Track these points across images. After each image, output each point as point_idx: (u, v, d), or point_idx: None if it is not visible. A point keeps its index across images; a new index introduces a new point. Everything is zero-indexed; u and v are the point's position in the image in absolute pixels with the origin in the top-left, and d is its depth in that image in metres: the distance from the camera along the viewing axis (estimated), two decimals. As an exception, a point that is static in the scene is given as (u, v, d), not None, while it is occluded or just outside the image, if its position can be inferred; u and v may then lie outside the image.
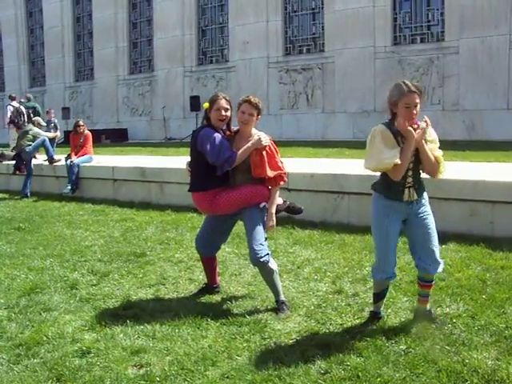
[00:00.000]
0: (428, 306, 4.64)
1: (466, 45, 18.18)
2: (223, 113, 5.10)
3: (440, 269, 4.51)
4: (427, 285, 4.59)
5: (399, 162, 4.11)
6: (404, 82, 4.27)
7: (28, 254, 7.43)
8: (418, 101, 4.18)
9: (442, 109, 18.45)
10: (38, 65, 33.41)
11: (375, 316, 4.70)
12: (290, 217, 8.04)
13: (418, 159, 4.27)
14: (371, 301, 5.16)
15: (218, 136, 5.03)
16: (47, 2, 31.60)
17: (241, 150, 5.01)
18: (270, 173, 5.05)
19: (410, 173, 4.28)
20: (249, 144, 5.02)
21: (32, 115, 19.50)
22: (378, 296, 4.67)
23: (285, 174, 5.18)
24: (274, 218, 5.13)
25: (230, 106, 5.17)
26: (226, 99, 5.15)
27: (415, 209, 4.37)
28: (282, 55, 22.64)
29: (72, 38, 30.98)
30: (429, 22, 19.56)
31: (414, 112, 4.18)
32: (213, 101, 5.15)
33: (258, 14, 22.71)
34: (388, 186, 4.32)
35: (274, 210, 5.14)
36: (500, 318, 4.56)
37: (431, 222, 4.42)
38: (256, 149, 5.00)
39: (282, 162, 5.20)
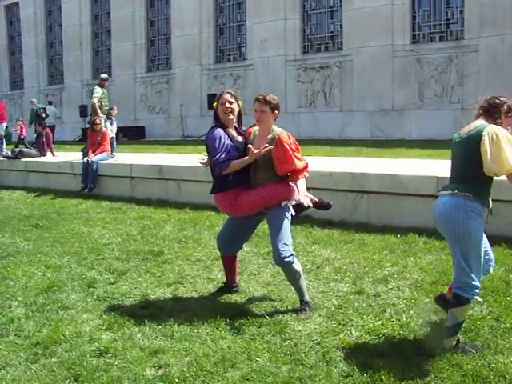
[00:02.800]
0: None
1: (486, 43, 17.97)
2: (227, 105, 5.09)
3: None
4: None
5: None
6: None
7: (45, 252, 7.42)
8: None
9: (461, 107, 18.24)
10: (57, 62, 33.58)
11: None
12: (309, 216, 8.01)
13: None
14: (392, 302, 5.08)
15: (222, 138, 4.99)
16: (66, 1, 31.73)
17: (237, 161, 4.96)
18: (300, 164, 4.97)
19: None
20: (245, 158, 4.95)
21: (43, 114, 20.34)
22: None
23: (308, 165, 5.11)
24: (309, 199, 4.95)
25: (236, 100, 5.17)
26: (230, 93, 5.17)
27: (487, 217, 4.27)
28: (299, 53, 22.53)
29: (90, 35, 31.08)
30: (448, 20, 19.36)
31: None
32: (218, 97, 5.19)
33: (276, 12, 22.62)
34: (487, 193, 4.14)
35: (305, 191, 4.97)
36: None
37: None
38: (276, 144, 4.92)
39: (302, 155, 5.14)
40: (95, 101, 14.04)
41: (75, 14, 31.17)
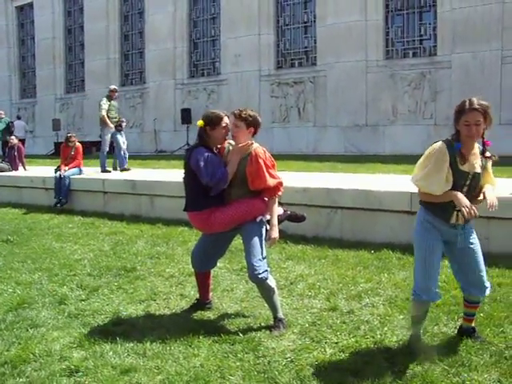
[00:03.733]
0: (473, 324, 4.56)
1: (459, 59, 18.19)
2: (228, 128, 5.04)
3: (488, 291, 4.42)
4: (473, 306, 4.51)
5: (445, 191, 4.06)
6: (469, 99, 4.03)
7: (16, 268, 7.30)
8: (479, 119, 3.97)
9: (434, 123, 18.41)
10: (29, 76, 33.22)
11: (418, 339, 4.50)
12: (283, 231, 7.97)
13: (473, 185, 4.11)
14: (366, 319, 5.07)
15: (211, 156, 4.94)
16: (39, 14, 31.47)
17: (228, 166, 4.94)
18: (272, 181, 4.95)
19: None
20: (230, 155, 4.98)
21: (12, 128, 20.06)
22: (419, 318, 4.47)
23: (282, 183, 5.08)
24: (277, 230, 5.02)
25: None
26: (227, 116, 5.09)
27: (460, 234, 4.20)
28: (273, 68, 22.57)
29: (63, 49, 30.82)
30: (421, 36, 19.56)
31: (474, 130, 3.99)
32: (217, 119, 5.04)
33: (250, 28, 22.67)
34: (437, 204, 4.16)
35: (276, 222, 5.02)
36: (499, 337, 4.47)
37: (479, 249, 4.31)
38: (251, 158, 4.90)
39: (277, 173, 5.12)
40: (103, 113, 13.95)
41: (48, 27, 30.91)
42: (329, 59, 20.76)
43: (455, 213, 4.13)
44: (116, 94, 14.81)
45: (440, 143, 4.14)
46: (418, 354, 4.19)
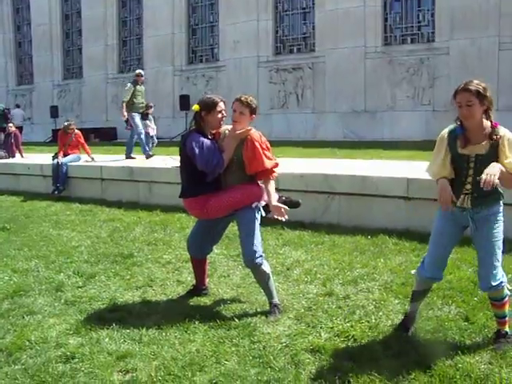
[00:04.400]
0: (507, 329, 4.25)
1: (456, 46, 18.16)
2: (224, 114, 5.02)
3: (494, 290, 4.12)
4: (493, 303, 4.26)
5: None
6: (465, 81, 3.96)
7: (12, 255, 7.29)
8: (470, 99, 3.88)
9: (432, 109, 18.42)
10: (26, 62, 33.09)
11: (411, 318, 4.53)
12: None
13: (481, 169, 3.88)
14: (362, 303, 5.10)
15: (206, 141, 4.92)
16: (35, -1, 31.35)
17: (225, 152, 4.94)
18: (269, 163, 4.95)
19: (470, 179, 4.03)
20: (227, 140, 4.95)
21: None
22: (417, 294, 4.49)
23: (277, 165, 5.09)
24: (278, 204, 4.96)
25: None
26: (224, 102, 5.07)
27: (472, 219, 4.09)
28: (272, 55, 22.53)
29: (60, 35, 30.70)
30: (419, 22, 19.52)
31: (465, 111, 3.91)
32: (213, 103, 5.01)
33: (249, 14, 22.59)
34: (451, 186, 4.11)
35: (275, 198, 4.98)
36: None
37: (494, 240, 4.07)
38: (246, 142, 4.90)
39: (272, 155, 5.12)
40: (124, 99, 13.44)
41: (45, 12, 30.76)
42: (327, 45, 20.73)
43: (463, 196, 4.07)
44: (142, 78, 14.16)
45: (446, 129, 4.13)
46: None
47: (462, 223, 4.20)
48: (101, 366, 4.02)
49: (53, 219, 9.78)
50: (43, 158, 14.06)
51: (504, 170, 3.88)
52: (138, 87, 13.73)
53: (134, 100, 13.55)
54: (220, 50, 24.29)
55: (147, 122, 14.27)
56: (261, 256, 4.92)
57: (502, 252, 4.16)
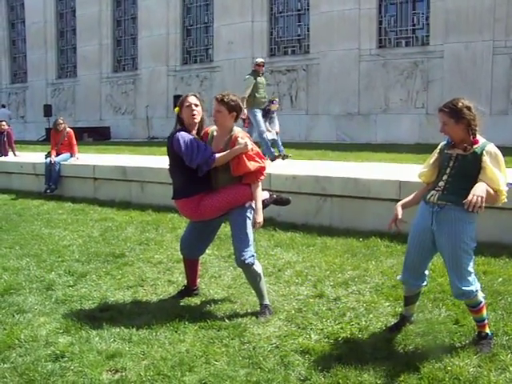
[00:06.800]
0: (487, 330, 4.22)
1: (451, 49, 18.23)
2: (193, 107, 4.98)
3: (465, 298, 4.09)
4: (471, 310, 4.22)
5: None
6: (451, 99, 4.11)
7: (3, 254, 7.27)
8: (444, 119, 4.04)
9: (425, 112, 18.46)
10: (20, 60, 32.99)
11: (404, 320, 4.58)
12: (272, 218, 8.01)
13: (457, 170, 4.03)
14: (352, 306, 5.11)
15: (191, 139, 4.90)
16: (29, -3, 31.27)
17: (223, 154, 4.90)
18: (252, 166, 4.90)
19: (445, 177, 4.09)
20: (235, 148, 4.89)
21: None
22: (407, 300, 4.54)
23: (264, 168, 5.07)
24: (261, 214, 5.01)
25: (201, 103, 5.07)
26: (195, 96, 5.08)
27: (434, 214, 4.10)
28: (266, 56, 22.53)
29: (55, 34, 30.64)
30: (414, 25, 19.59)
31: (442, 129, 4.09)
32: (182, 100, 5.04)
33: (244, 14, 22.61)
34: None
35: (260, 206, 5.02)
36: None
37: (457, 241, 4.02)
38: (231, 145, 4.90)
39: (261, 158, 5.10)
40: (246, 93, 11.64)
41: (39, 10, 30.69)
42: (322, 47, 20.78)
43: (433, 191, 4.16)
44: (263, 68, 12.31)
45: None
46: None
47: (429, 222, 4.16)
48: (90, 365, 4.01)
49: (45, 218, 9.76)
50: (36, 157, 14.02)
51: (489, 189, 3.93)
52: (258, 79, 12.04)
53: (256, 94, 11.88)
54: (214, 50, 24.29)
55: (273, 119, 13.00)
56: (253, 256, 4.92)
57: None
